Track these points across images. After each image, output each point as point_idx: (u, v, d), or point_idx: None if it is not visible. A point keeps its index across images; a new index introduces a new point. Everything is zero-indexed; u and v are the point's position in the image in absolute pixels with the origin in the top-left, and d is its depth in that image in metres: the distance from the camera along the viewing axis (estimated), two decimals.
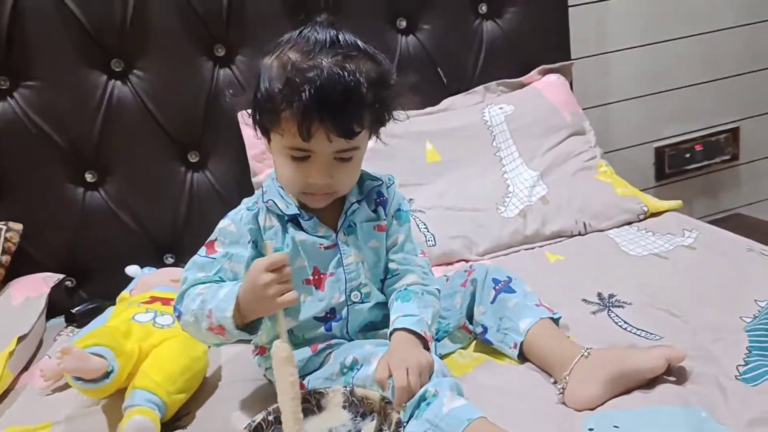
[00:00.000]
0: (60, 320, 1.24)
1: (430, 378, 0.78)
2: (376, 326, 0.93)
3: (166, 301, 1.02)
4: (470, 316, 0.98)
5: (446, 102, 1.49)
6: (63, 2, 1.25)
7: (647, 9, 1.75)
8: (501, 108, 1.45)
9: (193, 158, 1.38)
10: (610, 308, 1.02)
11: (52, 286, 1.22)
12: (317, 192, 0.85)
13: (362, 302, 0.90)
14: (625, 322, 0.98)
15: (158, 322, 0.97)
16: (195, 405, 0.92)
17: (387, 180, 0.95)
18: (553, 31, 1.58)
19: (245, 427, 0.77)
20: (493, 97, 1.50)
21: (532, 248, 1.28)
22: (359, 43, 0.82)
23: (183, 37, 1.34)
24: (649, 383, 0.82)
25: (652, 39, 1.77)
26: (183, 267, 0.89)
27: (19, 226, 1.24)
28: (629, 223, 1.32)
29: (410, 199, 1.33)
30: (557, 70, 1.55)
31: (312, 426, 0.79)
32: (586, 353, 0.84)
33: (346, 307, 0.89)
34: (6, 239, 1.20)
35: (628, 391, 0.81)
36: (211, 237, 0.88)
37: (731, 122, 1.90)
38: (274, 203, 0.87)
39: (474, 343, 0.98)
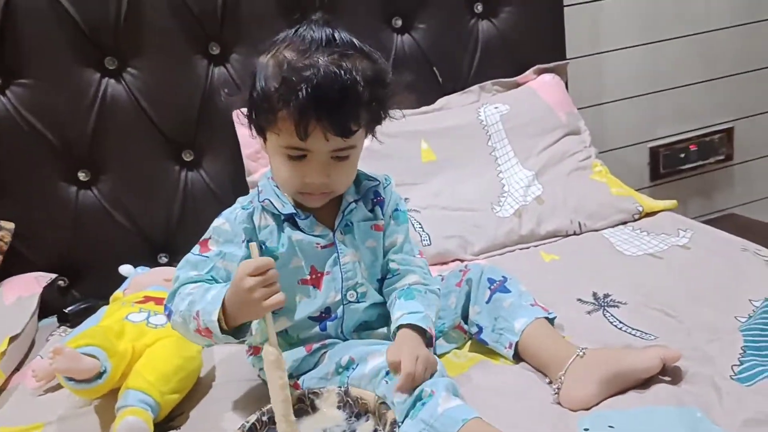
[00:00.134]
0: (52, 320, 1.23)
1: (431, 377, 0.78)
2: (371, 326, 0.93)
3: (159, 301, 1.01)
4: (465, 316, 0.98)
5: (441, 101, 1.49)
6: (57, 0, 1.24)
7: (642, 9, 1.75)
8: (496, 107, 1.45)
9: (188, 157, 1.38)
10: (605, 308, 1.02)
11: (44, 286, 1.21)
12: (314, 191, 0.85)
13: (358, 302, 0.90)
14: (620, 322, 0.98)
15: (152, 321, 0.96)
16: (189, 405, 0.92)
17: (384, 180, 0.95)
18: (548, 31, 1.58)
19: (239, 428, 0.77)
20: (489, 97, 1.50)
21: (527, 248, 1.28)
22: (355, 41, 0.82)
23: (177, 35, 1.33)
24: (644, 383, 0.82)
25: (647, 39, 1.77)
26: (177, 266, 0.88)
27: (11, 225, 1.23)
28: (624, 223, 1.32)
29: (406, 199, 1.32)
30: (552, 69, 1.55)
31: (306, 426, 0.79)
32: (581, 353, 0.84)
33: (341, 307, 0.89)
34: None
35: (623, 391, 0.81)
36: (205, 235, 0.87)
37: (725, 122, 1.91)
38: (270, 202, 0.87)
39: (469, 342, 0.98)
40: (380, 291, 0.93)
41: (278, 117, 0.79)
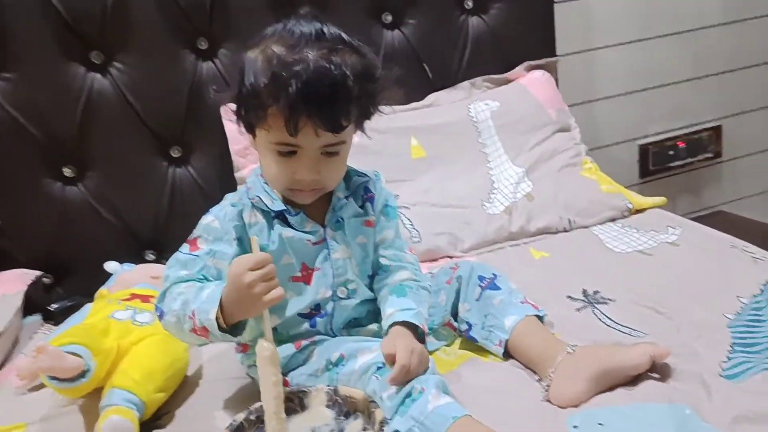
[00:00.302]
0: (37, 318, 1.22)
1: (424, 373, 0.78)
2: (360, 323, 0.92)
3: (145, 299, 1.00)
4: (455, 314, 0.97)
5: (431, 97, 1.49)
6: None
7: (632, 7, 1.76)
8: (486, 104, 1.45)
9: (175, 153, 1.36)
10: (595, 305, 1.02)
11: (29, 283, 1.19)
12: (305, 188, 0.84)
13: (348, 298, 0.89)
14: (610, 319, 0.98)
15: (137, 319, 0.95)
16: (175, 404, 0.90)
17: (373, 176, 0.94)
18: (538, 27, 1.58)
19: (227, 427, 0.76)
20: (479, 93, 1.50)
21: (517, 245, 1.28)
22: (344, 36, 0.81)
23: (165, 29, 1.31)
24: (634, 380, 0.82)
25: (636, 37, 1.78)
26: (164, 263, 0.87)
27: None
28: (613, 220, 1.33)
29: (396, 195, 1.31)
30: (543, 66, 1.55)
31: (295, 425, 0.78)
32: (570, 350, 0.84)
33: (331, 303, 0.88)
34: None
35: (612, 388, 0.81)
36: (194, 234, 0.86)
37: (714, 120, 1.92)
38: (260, 199, 0.86)
39: (459, 340, 0.98)
40: (371, 287, 0.92)
41: (268, 113, 0.79)
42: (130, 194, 1.32)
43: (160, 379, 0.87)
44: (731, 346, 0.87)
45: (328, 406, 0.79)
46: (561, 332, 0.93)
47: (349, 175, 0.91)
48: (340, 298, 0.89)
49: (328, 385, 0.81)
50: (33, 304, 1.21)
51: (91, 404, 0.87)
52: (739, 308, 0.97)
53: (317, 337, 0.88)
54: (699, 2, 1.81)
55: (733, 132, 1.94)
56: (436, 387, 0.76)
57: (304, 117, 0.77)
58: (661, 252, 1.18)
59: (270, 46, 0.80)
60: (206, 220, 0.86)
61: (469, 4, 1.52)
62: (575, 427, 0.76)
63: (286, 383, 0.86)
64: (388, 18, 1.48)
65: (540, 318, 0.92)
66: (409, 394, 0.75)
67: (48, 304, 1.23)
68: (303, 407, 0.80)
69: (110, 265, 1.22)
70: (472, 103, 1.45)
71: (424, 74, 1.50)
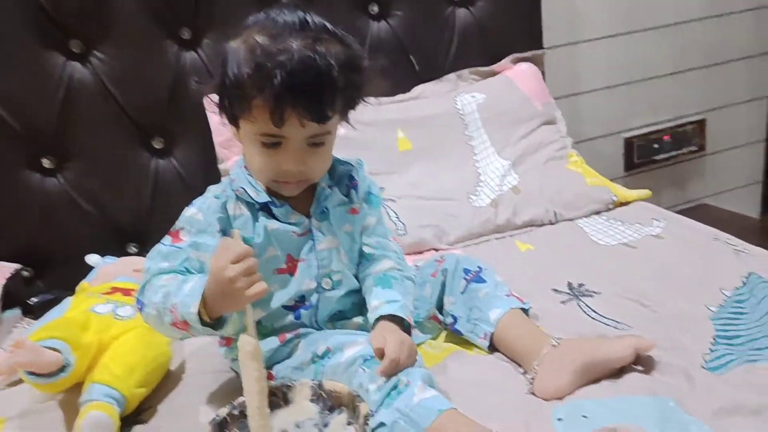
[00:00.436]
0: (16, 312, 1.20)
1: (413, 365, 0.78)
2: (345, 315, 0.92)
3: (127, 292, 0.98)
4: (440, 307, 0.97)
5: (418, 89, 1.48)
6: None
7: (617, 0, 1.76)
8: (473, 96, 1.45)
9: (158, 144, 1.34)
10: (580, 298, 1.03)
11: (8, 277, 1.17)
12: (291, 179, 0.83)
13: (333, 289, 0.89)
14: (595, 312, 0.98)
15: (119, 313, 0.94)
16: (157, 399, 0.89)
17: (356, 164, 0.93)
18: (525, 20, 1.58)
19: (210, 422, 0.75)
20: (465, 86, 1.49)
21: (503, 237, 1.28)
22: (327, 25, 0.80)
23: (147, 18, 1.29)
24: (618, 372, 0.82)
25: (622, 30, 1.78)
26: (146, 256, 0.86)
27: None
28: (599, 213, 1.33)
29: (381, 188, 1.31)
30: (529, 59, 1.55)
31: (279, 420, 0.77)
32: (555, 343, 0.84)
33: (316, 294, 0.88)
34: None
35: (597, 381, 0.81)
36: (176, 225, 0.85)
37: (698, 113, 1.93)
38: (245, 191, 0.85)
39: (444, 333, 0.98)
40: (358, 276, 0.92)
41: (252, 104, 0.78)
42: (111, 186, 1.30)
43: (141, 374, 0.86)
44: (714, 339, 0.88)
45: (312, 401, 0.78)
46: (546, 325, 0.93)
47: (333, 164, 0.90)
48: (325, 290, 0.88)
49: (313, 380, 0.80)
50: (12, 297, 1.18)
51: (71, 400, 0.85)
52: (721, 301, 0.97)
53: (302, 330, 0.87)
54: None
55: (716, 125, 1.95)
56: (422, 380, 0.76)
57: (289, 108, 0.76)
58: (645, 245, 1.18)
59: (252, 35, 0.79)
60: (189, 212, 0.85)
61: None
62: (560, 419, 0.76)
63: (270, 377, 0.86)
64: (375, 9, 1.46)
65: (525, 311, 0.92)
66: (395, 387, 0.75)
67: (28, 297, 1.21)
68: (287, 401, 0.79)
69: (91, 258, 1.21)
70: (459, 96, 1.45)
71: (411, 66, 1.49)
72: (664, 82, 1.86)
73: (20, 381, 0.93)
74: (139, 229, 1.33)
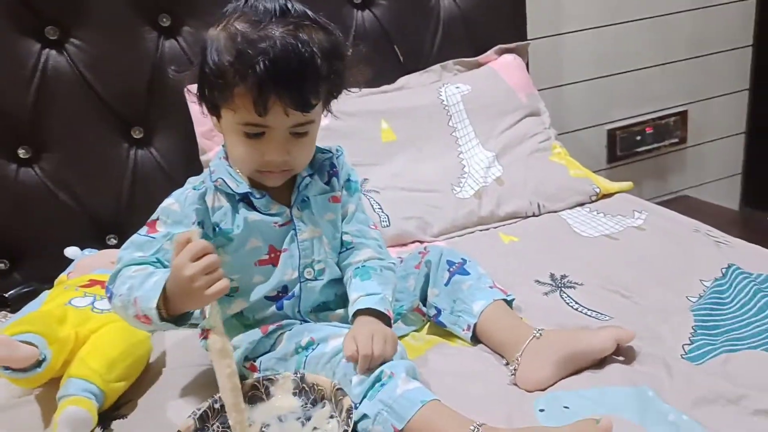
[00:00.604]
0: None
1: (395, 353, 0.77)
2: (329, 306, 0.91)
3: (105, 285, 0.96)
4: (424, 299, 0.97)
5: (402, 80, 1.47)
6: None
7: None
8: (458, 87, 1.44)
9: (137, 134, 1.32)
10: (562, 289, 1.03)
11: None
12: (274, 169, 0.82)
13: (315, 279, 0.88)
14: (577, 303, 0.99)
15: (97, 306, 0.92)
16: (137, 392, 0.88)
17: (336, 151, 0.93)
18: (510, 11, 1.57)
19: (190, 416, 0.74)
20: (450, 77, 1.48)
21: (487, 229, 1.28)
22: (309, 12, 0.79)
23: (125, 4, 1.26)
24: (599, 363, 0.83)
25: (605, 21, 1.78)
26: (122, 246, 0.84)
27: None
28: (582, 205, 1.34)
29: (365, 179, 1.30)
30: (514, 50, 1.54)
31: (261, 413, 0.77)
32: (537, 334, 0.84)
33: (298, 284, 0.87)
34: None
35: (578, 372, 0.82)
36: (153, 216, 0.84)
37: (680, 105, 1.94)
38: (224, 182, 0.84)
39: (427, 325, 0.98)
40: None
41: (234, 93, 0.76)
42: (89, 177, 1.28)
43: (120, 368, 0.85)
44: (693, 329, 0.89)
45: (294, 394, 0.78)
46: (529, 316, 0.94)
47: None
48: (307, 279, 0.87)
49: (295, 372, 0.79)
50: None
51: (49, 394, 0.84)
52: (701, 291, 0.98)
53: (285, 322, 0.87)
54: None
55: (698, 117, 1.97)
56: (405, 372, 0.76)
57: (273, 96, 0.75)
58: (627, 236, 1.19)
59: (232, 23, 0.77)
60: (167, 203, 0.84)
61: None
62: (541, 410, 0.76)
63: (254, 368, 0.85)
64: None
65: (509, 302, 0.92)
66: (378, 379, 0.75)
67: (4, 290, 1.19)
68: (269, 395, 0.78)
69: (70, 251, 1.19)
70: (443, 87, 1.44)
71: (395, 57, 1.48)
72: (647, 74, 1.87)
73: None
74: (118, 221, 1.31)
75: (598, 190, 1.36)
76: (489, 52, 1.53)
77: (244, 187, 0.84)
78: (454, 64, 1.50)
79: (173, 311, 0.74)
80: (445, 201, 1.30)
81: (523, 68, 1.54)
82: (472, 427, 0.70)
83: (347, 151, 0.96)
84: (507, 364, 0.86)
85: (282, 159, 0.81)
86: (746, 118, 2.05)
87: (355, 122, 1.34)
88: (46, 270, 1.17)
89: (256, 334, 0.86)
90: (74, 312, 0.90)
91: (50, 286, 1.10)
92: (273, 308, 0.87)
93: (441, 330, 0.95)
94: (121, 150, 1.31)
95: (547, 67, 1.72)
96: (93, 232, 1.30)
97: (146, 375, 0.92)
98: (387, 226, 1.24)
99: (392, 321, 0.85)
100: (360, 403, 0.74)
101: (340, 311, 0.90)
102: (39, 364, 0.80)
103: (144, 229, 0.83)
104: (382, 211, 1.26)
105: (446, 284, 0.94)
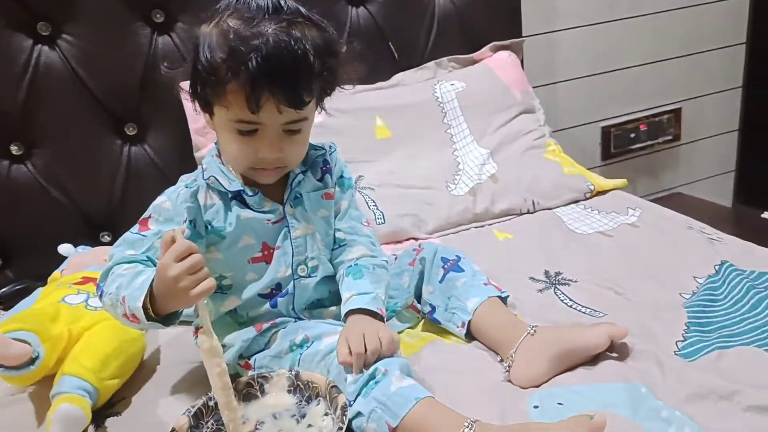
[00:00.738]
0: None
1: (395, 346, 0.77)
2: (323, 304, 0.91)
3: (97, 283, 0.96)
4: (418, 296, 0.97)
5: (397, 77, 1.47)
6: None
7: None
8: (452, 84, 1.44)
9: (130, 131, 1.31)
10: (557, 286, 1.03)
11: None
12: (268, 167, 0.82)
13: (309, 276, 0.88)
14: (571, 300, 0.99)
15: (91, 303, 0.92)
16: (131, 390, 0.88)
17: (329, 148, 0.92)
18: (504, 8, 1.57)
19: (184, 413, 0.74)
20: (445, 74, 1.48)
21: (482, 226, 1.28)
22: (302, 9, 0.79)
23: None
24: (593, 360, 0.83)
25: (599, 19, 1.78)
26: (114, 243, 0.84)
27: None
28: (576, 202, 1.34)
29: (360, 176, 1.30)
30: (508, 47, 1.54)
31: (255, 411, 0.77)
32: (531, 331, 0.85)
33: (292, 282, 0.87)
34: None
35: (572, 368, 0.82)
36: (145, 214, 0.83)
37: (674, 103, 1.95)
38: (216, 180, 0.84)
39: (422, 322, 0.98)
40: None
41: (227, 90, 0.76)
42: (82, 174, 1.28)
43: (113, 365, 0.85)
44: (686, 326, 0.89)
45: (289, 392, 0.78)
46: (523, 313, 0.94)
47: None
48: (301, 276, 0.87)
49: (290, 370, 0.79)
50: None
51: (42, 392, 0.84)
52: (694, 288, 0.99)
53: (279, 320, 0.87)
54: None
55: (691, 115, 1.98)
56: (399, 369, 0.76)
57: (266, 93, 0.75)
58: (621, 233, 1.20)
59: (225, 19, 0.77)
60: (159, 200, 0.84)
61: None
62: (536, 407, 0.76)
63: (248, 366, 0.85)
64: None
65: (503, 299, 0.93)
66: (373, 377, 0.75)
67: None
68: (263, 392, 0.78)
69: (64, 248, 1.18)
70: (438, 84, 1.44)
71: (390, 54, 1.48)
72: (641, 72, 1.88)
73: None
74: (111, 218, 1.30)
75: (592, 188, 1.36)
76: (484, 49, 1.53)
77: (236, 185, 0.84)
78: (449, 61, 1.50)
79: (160, 311, 0.74)
80: (439, 198, 1.30)
81: (517, 65, 1.54)
82: (466, 424, 0.70)
83: (342, 148, 0.96)
84: (501, 360, 0.86)
85: (275, 156, 0.81)
86: (739, 116, 2.06)
87: (350, 119, 1.34)
88: (38, 267, 1.17)
89: (250, 332, 0.86)
90: (67, 309, 0.89)
91: (43, 283, 1.10)
92: (267, 305, 0.87)
93: (435, 327, 0.95)
94: (114, 146, 1.30)
95: (542, 65, 1.72)
96: (86, 229, 1.29)
97: (140, 372, 0.91)
98: (382, 223, 1.24)
99: (385, 319, 0.85)
100: (354, 401, 0.74)
101: (334, 308, 0.90)
102: (32, 361, 0.79)
103: (136, 227, 0.82)
104: (377, 208, 1.26)
105: (440, 281, 0.94)
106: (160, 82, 1.28)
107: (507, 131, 1.43)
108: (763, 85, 1.97)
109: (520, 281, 1.05)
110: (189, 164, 1.28)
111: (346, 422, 0.70)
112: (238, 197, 0.85)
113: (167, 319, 0.75)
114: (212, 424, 0.75)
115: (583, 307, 0.97)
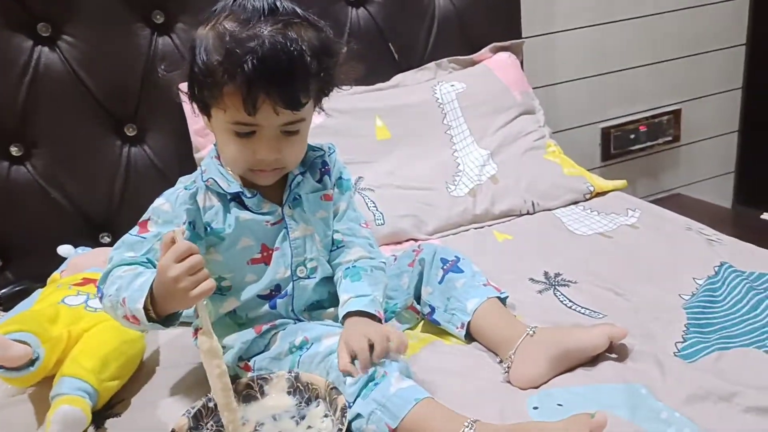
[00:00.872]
0: None
1: (402, 343, 0.77)
2: (322, 305, 0.91)
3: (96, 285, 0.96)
4: (418, 297, 0.97)
5: (397, 78, 1.47)
6: None
7: None
8: (452, 85, 1.44)
9: (130, 132, 1.31)
10: (556, 287, 1.03)
11: None
12: (266, 168, 0.82)
13: (308, 278, 0.88)
14: (570, 301, 0.99)
15: (90, 305, 0.92)
16: (131, 391, 0.88)
17: (328, 149, 0.92)
18: (504, 9, 1.57)
19: (184, 414, 0.74)
20: (445, 74, 1.48)
21: (481, 227, 1.28)
22: (298, 10, 0.79)
23: (118, 1, 1.25)
24: (592, 361, 0.83)
25: (599, 20, 1.78)
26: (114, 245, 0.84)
27: None
28: (575, 203, 1.34)
29: (360, 177, 1.30)
30: (508, 48, 1.54)
31: (255, 412, 0.77)
32: (531, 332, 0.85)
33: (291, 283, 0.87)
34: None
35: (572, 369, 0.82)
36: (144, 216, 0.83)
37: (673, 104, 1.95)
38: (215, 181, 0.84)
39: (421, 323, 0.98)
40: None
41: (224, 92, 0.76)
42: (82, 175, 1.28)
43: (113, 366, 0.85)
44: (686, 327, 0.89)
45: (289, 393, 0.78)
46: (522, 314, 0.94)
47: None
48: (300, 278, 0.87)
49: (289, 371, 0.79)
50: None
51: (42, 393, 0.84)
52: (694, 289, 0.99)
53: (278, 321, 0.87)
54: None
55: (691, 116, 1.98)
56: (398, 371, 0.76)
57: (262, 95, 0.75)
58: (620, 234, 1.20)
59: (221, 22, 0.77)
60: (157, 202, 0.84)
61: None
62: (535, 408, 0.76)
63: (248, 368, 0.85)
64: None
65: (502, 300, 0.93)
66: (372, 378, 0.75)
67: None
68: (263, 394, 0.78)
69: (63, 249, 1.18)
70: (438, 85, 1.44)
71: (390, 54, 1.48)
72: (641, 73, 1.88)
73: None
74: (111, 219, 1.30)
75: (592, 189, 1.36)
76: (484, 50, 1.53)
77: (235, 187, 0.84)
78: (449, 62, 1.50)
79: (160, 312, 0.74)
80: (439, 199, 1.30)
81: (517, 66, 1.54)
82: (466, 424, 0.70)
83: (342, 149, 0.96)
84: (501, 361, 0.86)
85: (273, 157, 0.81)
86: (739, 117, 2.06)
87: (349, 120, 1.34)
88: (38, 268, 1.17)
89: (249, 333, 0.86)
90: (67, 310, 0.89)
91: (43, 284, 1.10)
92: (266, 307, 0.87)
93: (435, 328, 0.95)
94: (114, 147, 1.30)
95: (542, 66, 1.73)
96: (85, 230, 1.29)
97: (140, 374, 0.91)
98: (382, 224, 1.24)
99: (383, 322, 0.85)
100: (354, 402, 0.74)
101: (334, 309, 0.90)
102: (32, 363, 0.79)
103: (135, 229, 0.82)
104: (377, 209, 1.26)
105: (440, 282, 0.94)
106: (160, 83, 1.27)
107: (507, 132, 1.43)
108: (763, 86, 1.97)
109: (520, 282, 1.05)
110: (189, 165, 1.28)
111: (346, 424, 0.70)
112: (237, 199, 0.85)
113: (167, 320, 0.75)
114: (212, 426, 0.75)
115: (582, 308, 0.97)
